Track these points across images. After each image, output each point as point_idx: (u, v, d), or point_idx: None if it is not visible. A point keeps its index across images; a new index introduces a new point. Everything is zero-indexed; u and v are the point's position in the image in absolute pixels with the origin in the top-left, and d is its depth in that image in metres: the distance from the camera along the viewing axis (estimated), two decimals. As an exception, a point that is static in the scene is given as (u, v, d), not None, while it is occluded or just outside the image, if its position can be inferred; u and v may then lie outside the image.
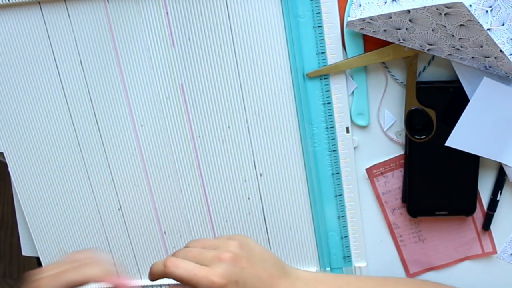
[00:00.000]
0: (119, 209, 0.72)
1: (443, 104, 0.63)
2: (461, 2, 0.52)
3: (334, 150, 0.66)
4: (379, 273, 0.71)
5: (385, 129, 0.66)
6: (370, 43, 0.62)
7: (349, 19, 0.61)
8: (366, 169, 0.68)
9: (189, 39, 0.64)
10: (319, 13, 0.62)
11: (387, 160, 0.67)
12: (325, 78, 0.64)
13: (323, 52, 0.63)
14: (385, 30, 0.59)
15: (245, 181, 0.69)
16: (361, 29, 0.61)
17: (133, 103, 0.67)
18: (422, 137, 0.64)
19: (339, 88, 0.64)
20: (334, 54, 0.63)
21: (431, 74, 0.64)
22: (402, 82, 0.64)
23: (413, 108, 0.63)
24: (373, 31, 0.60)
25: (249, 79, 0.65)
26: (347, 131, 0.66)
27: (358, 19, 0.60)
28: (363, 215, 0.69)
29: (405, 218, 0.69)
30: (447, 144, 0.62)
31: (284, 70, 0.64)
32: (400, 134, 0.67)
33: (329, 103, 0.64)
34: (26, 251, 0.76)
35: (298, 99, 0.65)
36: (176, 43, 0.64)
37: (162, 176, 0.70)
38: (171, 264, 0.53)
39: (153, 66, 0.65)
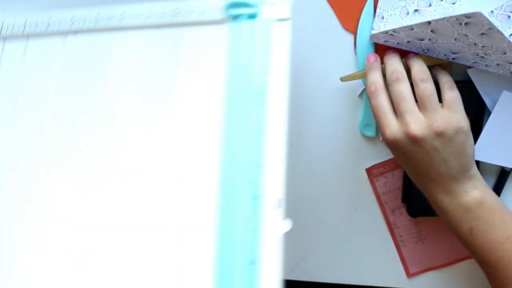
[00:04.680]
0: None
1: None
2: (480, 12, 0.52)
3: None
4: (379, 272, 0.72)
5: (381, 138, 0.67)
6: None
7: (373, 32, 0.61)
8: (366, 169, 0.68)
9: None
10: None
11: (387, 160, 0.68)
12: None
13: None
14: (408, 41, 0.59)
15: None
16: (385, 41, 0.61)
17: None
18: None
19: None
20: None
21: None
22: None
23: None
24: (397, 43, 0.60)
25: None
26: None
27: (381, 32, 0.60)
28: (363, 215, 0.69)
29: (405, 218, 0.69)
30: None
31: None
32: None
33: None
34: (26, 251, 0.76)
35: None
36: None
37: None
38: (374, 90, 0.58)
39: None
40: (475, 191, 0.57)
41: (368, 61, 0.60)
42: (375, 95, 0.58)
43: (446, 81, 0.58)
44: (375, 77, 0.59)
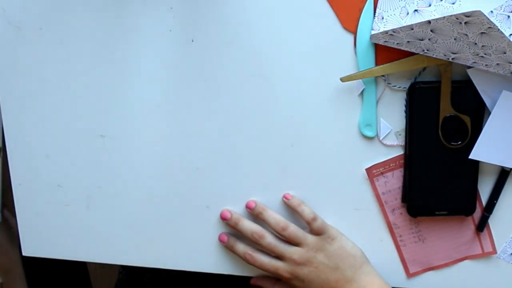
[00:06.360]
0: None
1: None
2: (480, 10, 0.52)
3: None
4: (379, 272, 0.70)
5: (381, 138, 0.67)
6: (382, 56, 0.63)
7: (373, 32, 0.61)
8: (366, 169, 0.68)
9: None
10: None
11: (387, 160, 0.68)
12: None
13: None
14: (408, 41, 0.59)
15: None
16: (385, 41, 0.61)
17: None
18: (458, 143, 0.64)
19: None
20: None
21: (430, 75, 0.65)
22: (400, 87, 0.65)
23: (448, 115, 0.64)
24: (397, 43, 0.60)
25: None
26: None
27: (381, 32, 0.60)
28: (363, 215, 0.69)
29: (405, 218, 0.69)
30: (471, 157, 0.63)
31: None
32: (400, 135, 0.67)
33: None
34: (26, 251, 0.76)
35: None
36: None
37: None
38: (249, 257, 0.68)
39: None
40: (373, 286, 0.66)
41: (223, 242, 0.69)
42: (253, 260, 0.67)
43: (308, 214, 0.67)
44: (241, 247, 0.68)
